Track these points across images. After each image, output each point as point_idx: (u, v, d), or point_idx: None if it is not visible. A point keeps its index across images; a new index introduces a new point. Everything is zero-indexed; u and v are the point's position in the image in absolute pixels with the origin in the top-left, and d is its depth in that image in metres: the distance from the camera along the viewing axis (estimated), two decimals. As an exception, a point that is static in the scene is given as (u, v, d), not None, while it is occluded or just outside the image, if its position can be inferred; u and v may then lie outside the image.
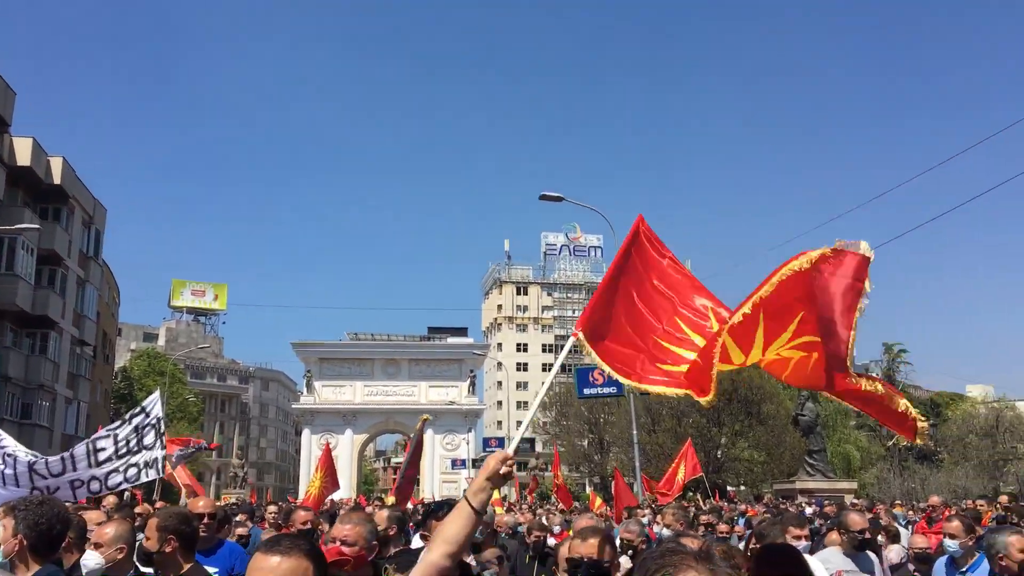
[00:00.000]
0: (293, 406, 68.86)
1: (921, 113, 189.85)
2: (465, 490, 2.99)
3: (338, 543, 4.00)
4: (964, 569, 6.07)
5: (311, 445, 54.05)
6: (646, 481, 25.79)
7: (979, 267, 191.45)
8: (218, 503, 16.59)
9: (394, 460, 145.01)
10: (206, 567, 5.15)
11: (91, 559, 4.59)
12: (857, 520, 6.40)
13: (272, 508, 11.49)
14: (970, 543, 6.20)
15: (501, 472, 2.91)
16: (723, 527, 9.46)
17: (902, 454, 47.17)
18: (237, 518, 10.79)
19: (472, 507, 2.83)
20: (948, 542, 6.25)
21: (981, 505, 14.54)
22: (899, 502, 25.44)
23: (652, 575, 1.86)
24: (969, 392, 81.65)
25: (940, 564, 6.49)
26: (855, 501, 23.90)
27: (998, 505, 14.04)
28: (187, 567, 4.50)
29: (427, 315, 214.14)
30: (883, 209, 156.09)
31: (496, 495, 24.12)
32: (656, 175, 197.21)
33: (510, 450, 3.06)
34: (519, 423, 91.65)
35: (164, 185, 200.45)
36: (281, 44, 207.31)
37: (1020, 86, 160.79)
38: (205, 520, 5.89)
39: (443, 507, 4.63)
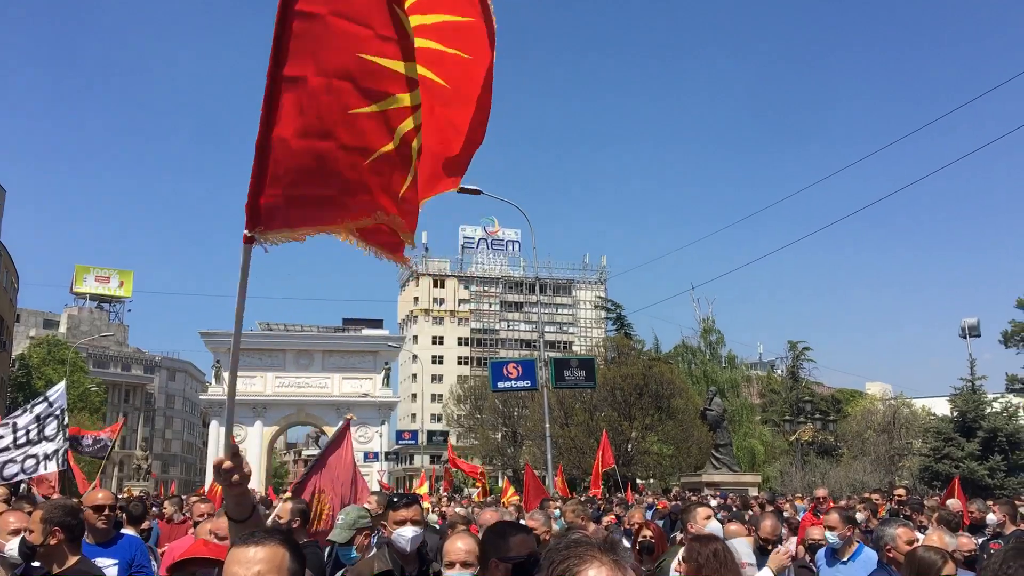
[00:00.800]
0: (201, 397, 67.36)
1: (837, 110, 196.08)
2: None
3: (213, 536, 3.95)
4: (845, 559, 6.35)
5: (219, 437, 52.93)
6: (561, 474, 26.11)
7: (880, 271, 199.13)
8: (123, 495, 16.17)
9: (305, 452, 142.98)
10: (104, 559, 5.02)
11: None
12: (768, 527, 6.63)
13: (168, 504, 11.28)
14: (848, 534, 6.51)
15: (222, 469, 2.65)
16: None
17: (804, 449, 48.70)
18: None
19: (231, 518, 2.74)
20: (828, 534, 6.55)
21: (876, 499, 15.13)
22: (800, 495, 26.26)
23: (556, 567, 1.85)
24: (868, 390, 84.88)
25: (820, 555, 6.78)
26: (756, 494, 24.64)
27: (893, 498, 14.61)
28: (73, 560, 4.37)
29: (342, 306, 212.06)
30: (791, 210, 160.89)
31: (424, 490, 24.00)
32: (575, 171, 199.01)
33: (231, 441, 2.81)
34: (434, 416, 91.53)
35: (68, 167, 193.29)
36: (187, 20, 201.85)
37: (933, 92, 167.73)
38: (105, 512, 5.72)
39: (402, 499, 4.75)
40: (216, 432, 54.31)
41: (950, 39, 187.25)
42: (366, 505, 6.80)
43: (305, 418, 58.63)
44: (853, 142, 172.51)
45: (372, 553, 5.22)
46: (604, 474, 23.69)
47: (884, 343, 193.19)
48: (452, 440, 74.18)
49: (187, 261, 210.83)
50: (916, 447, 47.27)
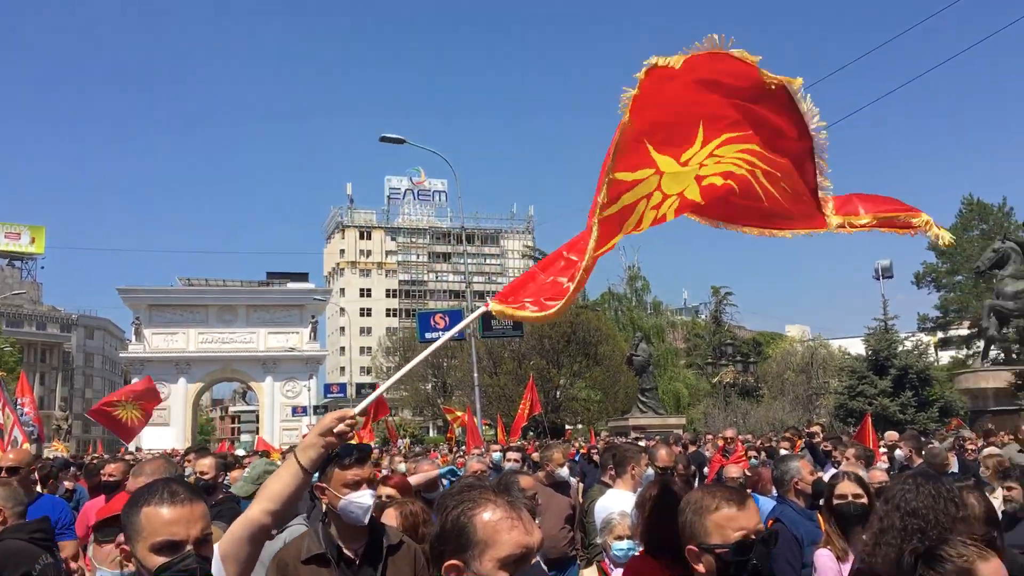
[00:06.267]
0: (121, 355, 65.90)
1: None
2: (295, 445, 2.64)
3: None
4: None
5: (142, 395, 51.92)
6: (501, 422, 26.49)
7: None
8: (48, 457, 15.77)
9: (232, 409, 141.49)
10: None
11: None
12: (663, 456, 6.65)
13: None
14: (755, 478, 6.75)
15: (336, 430, 2.57)
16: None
17: (726, 391, 50.07)
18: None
19: (299, 464, 2.58)
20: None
21: (791, 436, 15.69)
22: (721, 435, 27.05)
23: (451, 511, 1.89)
24: (788, 332, 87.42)
25: None
26: (680, 435, 25.27)
27: (794, 432, 15.03)
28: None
29: (266, 260, 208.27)
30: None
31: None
32: (500, 119, 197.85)
33: (356, 410, 2.67)
34: (374, 379, 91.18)
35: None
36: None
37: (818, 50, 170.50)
38: (2, 474, 5.56)
39: (350, 452, 3.45)
40: (139, 390, 53.30)
41: None
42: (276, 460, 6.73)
43: (231, 374, 57.93)
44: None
45: (294, 531, 4.19)
46: (532, 420, 24.08)
47: (803, 286, 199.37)
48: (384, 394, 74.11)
49: (102, 215, 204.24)
50: (833, 386, 48.95)
